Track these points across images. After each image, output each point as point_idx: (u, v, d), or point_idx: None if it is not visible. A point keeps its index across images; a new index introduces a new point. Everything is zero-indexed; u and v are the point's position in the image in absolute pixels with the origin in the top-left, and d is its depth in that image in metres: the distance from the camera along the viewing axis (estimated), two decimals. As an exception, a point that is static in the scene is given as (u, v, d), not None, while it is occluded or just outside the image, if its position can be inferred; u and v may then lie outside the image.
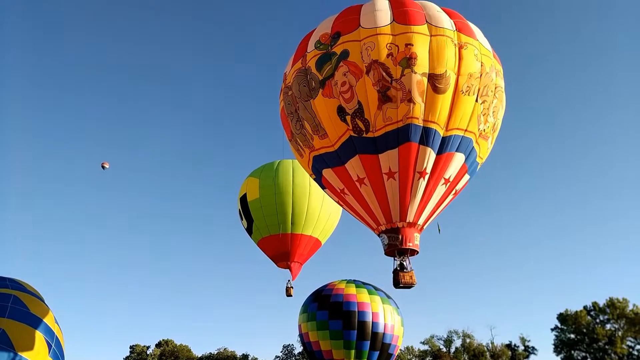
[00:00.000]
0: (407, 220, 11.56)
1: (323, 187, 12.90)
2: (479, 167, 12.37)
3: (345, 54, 10.93)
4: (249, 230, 22.00)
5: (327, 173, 12.09)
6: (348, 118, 11.01)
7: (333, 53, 11.09)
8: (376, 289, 22.17)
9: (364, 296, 21.44)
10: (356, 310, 21.01)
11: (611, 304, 47.82)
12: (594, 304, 48.88)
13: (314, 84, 11.32)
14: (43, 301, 13.42)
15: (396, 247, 11.56)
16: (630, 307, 47.07)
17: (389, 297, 21.98)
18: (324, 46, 11.33)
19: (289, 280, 22.01)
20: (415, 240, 11.70)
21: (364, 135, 11.01)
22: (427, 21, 11.01)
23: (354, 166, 11.42)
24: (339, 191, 12.22)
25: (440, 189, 11.63)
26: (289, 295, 21.93)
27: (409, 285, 11.72)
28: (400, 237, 11.55)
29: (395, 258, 11.86)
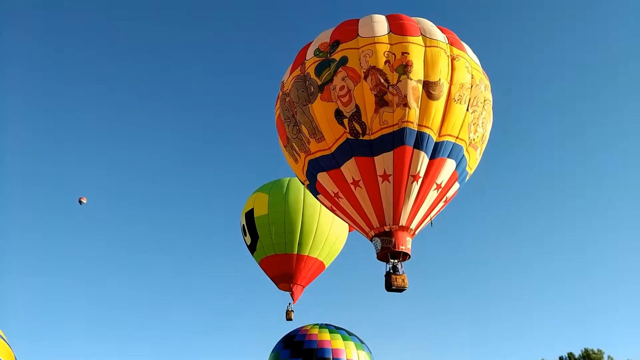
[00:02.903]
0: (400, 224, 11.79)
1: (316, 193, 13.07)
2: (467, 177, 12.80)
3: (344, 60, 11.43)
4: (252, 247, 21.26)
5: (322, 177, 12.31)
6: (345, 121, 11.38)
7: (332, 60, 11.59)
8: (350, 333, 21.69)
9: (338, 342, 20.74)
10: (331, 357, 20.48)
11: (586, 354, 47.72)
12: (570, 355, 48.70)
13: (312, 88, 11.73)
14: (4, 339, 12.64)
15: (389, 250, 11.72)
16: (605, 358, 47.06)
17: (362, 342, 21.63)
18: (323, 53, 11.84)
19: (289, 304, 21.30)
20: (407, 244, 11.90)
21: (361, 137, 11.37)
22: (421, 33, 11.68)
23: (350, 168, 11.69)
24: (332, 195, 12.41)
25: (432, 194, 11.95)
26: (289, 319, 21.22)
27: (401, 289, 11.81)
28: (393, 240, 11.74)
29: (388, 262, 12.00)
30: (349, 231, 21.23)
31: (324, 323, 21.96)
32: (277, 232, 20.22)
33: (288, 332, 21.82)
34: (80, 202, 34.63)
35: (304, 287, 21.45)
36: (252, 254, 21.75)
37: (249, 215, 21.22)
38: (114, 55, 57.16)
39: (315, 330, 21.18)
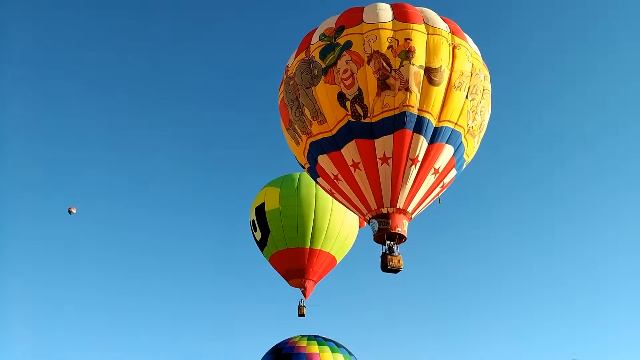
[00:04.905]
0: (397, 206, 12.10)
1: (316, 176, 13.34)
2: (465, 164, 13.11)
3: (348, 44, 11.73)
4: (263, 242, 20.95)
5: (323, 159, 12.57)
6: (347, 104, 11.67)
7: (337, 44, 11.89)
8: (338, 345, 21.68)
9: (326, 355, 20.83)
10: (319, 370, 20.65)
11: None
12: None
13: (316, 71, 12.02)
14: None
15: (386, 232, 12.02)
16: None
17: (350, 354, 21.70)
18: (328, 38, 12.14)
19: (301, 299, 21.17)
20: (404, 226, 12.21)
21: (362, 120, 11.66)
22: (424, 22, 12.01)
23: (350, 150, 11.97)
24: (332, 178, 12.68)
25: (430, 179, 12.25)
26: (301, 315, 21.13)
27: (396, 269, 12.12)
28: (389, 222, 12.03)
29: (384, 244, 12.30)
30: (360, 227, 21.26)
31: (312, 334, 21.95)
32: (289, 226, 19.96)
33: (275, 344, 21.75)
34: (69, 212, 33.80)
35: (315, 283, 21.21)
36: (262, 250, 21.40)
37: (260, 209, 20.87)
38: (110, 55, 56.78)
39: (304, 342, 21.19)
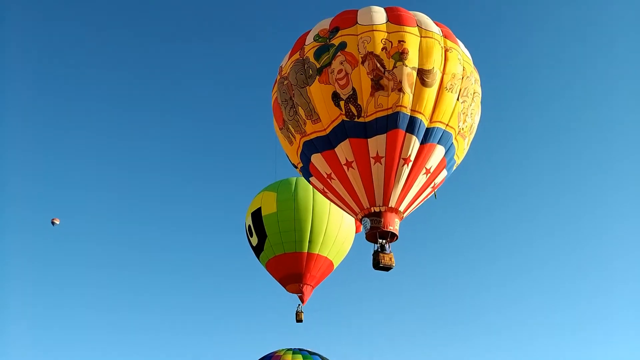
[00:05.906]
0: (390, 205, 12.30)
1: (309, 176, 13.47)
2: (455, 166, 13.38)
3: (343, 45, 11.95)
4: (259, 248, 20.65)
5: (316, 158, 12.72)
6: (342, 103, 11.86)
7: (331, 44, 12.10)
8: (324, 359, 21.82)
9: None
10: (304, 384, 20.55)
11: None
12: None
13: (311, 71, 12.20)
14: None
15: (378, 230, 12.20)
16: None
17: None
18: (323, 39, 12.34)
19: (299, 305, 20.89)
20: (395, 225, 12.39)
21: (356, 120, 11.86)
22: (417, 25, 12.28)
23: (344, 149, 12.16)
24: (325, 177, 12.83)
25: (422, 178, 12.49)
26: (299, 320, 20.82)
27: (388, 267, 12.31)
28: (381, 220, 12.22)
29: (377, 243, 12.47)
30: (356, 232, 21.15)
31: (297, 348, 22.00)
32: (287, 230, 19.77)
33: (259, 358, 21.70)
34: (52, 223, 32.93)
35: (313, 288, 20.99)
36: (258, 256, 21.17)
37: (256, 214, 20.60)
38: (103, 59, 56.33)
39: (289, 356, 21.27)
